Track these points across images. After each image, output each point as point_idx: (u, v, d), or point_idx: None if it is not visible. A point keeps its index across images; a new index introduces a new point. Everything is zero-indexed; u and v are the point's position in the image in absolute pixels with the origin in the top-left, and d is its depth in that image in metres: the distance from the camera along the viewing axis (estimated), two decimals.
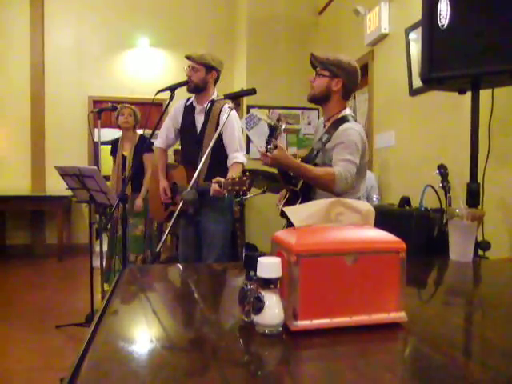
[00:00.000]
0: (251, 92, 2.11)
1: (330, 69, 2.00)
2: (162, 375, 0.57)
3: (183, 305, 0.96)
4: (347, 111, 2.04)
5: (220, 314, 0.90)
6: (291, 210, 0.81)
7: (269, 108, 5.16)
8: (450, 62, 1.88)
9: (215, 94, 2.69)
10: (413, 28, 3.28)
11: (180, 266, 1.63)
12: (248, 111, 5.07)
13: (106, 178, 3.07)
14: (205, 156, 2.04)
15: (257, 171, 3.34)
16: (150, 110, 5.34)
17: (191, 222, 2.64)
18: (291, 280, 0.70)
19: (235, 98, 2.19)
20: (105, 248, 3.55)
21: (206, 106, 2.64)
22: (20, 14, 5.91)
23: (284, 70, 5.28)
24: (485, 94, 2.02)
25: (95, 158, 4.75)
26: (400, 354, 0.71)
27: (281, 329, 0.69)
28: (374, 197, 3.27)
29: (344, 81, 2.00)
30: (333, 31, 5.06)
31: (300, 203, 1.95)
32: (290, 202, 2.00)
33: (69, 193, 3.72)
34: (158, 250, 1.89)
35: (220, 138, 2.44)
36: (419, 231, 1.71)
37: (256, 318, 0.68)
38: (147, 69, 6.24)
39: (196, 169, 2.01)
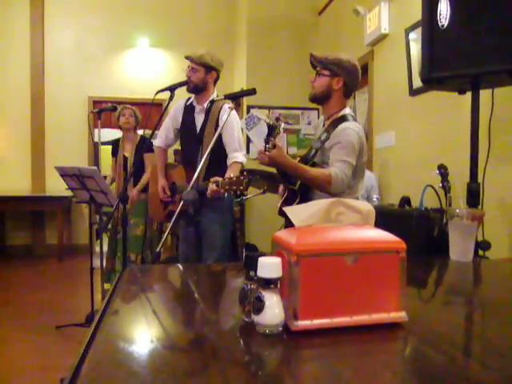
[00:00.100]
0: (251, 92, 2.11)
1: (329, 68, 2.00)
2: (162, 375, 0.57)
3: (183, 305, 0.96)
4: (347, 110, 2.04)
5: (220, 314, 0.90)
6: (291, 210, 0.81)
7: (269, 108, 5.16)
8: (450, 62, 1.88)
9: (215, 93, 2.69)
10: (413, 28, 3.28)
11: (180, 267, 1.63)
12: (248, 111, 5.07)
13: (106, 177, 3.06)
14: (205, 156, 2.04)
15: (254, 171, 3.33)
16: (150, 111, 5.35)
17: (191, 222, 2.64)
18: (291, 280, 0.70)
19: (235, 98, 2.19)
20: (105, 248, 3.55)
21: (205, 105, 2.64)
22: (20, 14, 5.92)
23: (284, 70, 5.28)
24: (485, 94, 2.02)
25: (95, 158, 4.76)
26: (400, 353, 0.71)
27: (281, 329, 0.69)
28: (374, 197, 3.27)
29: (345, 79, 1.99)
30: (333, 31, 5.06)
31: (298, 202, 1.96)
32: (289, 200, 2.01)
33: (69, 193, 3.73)
34: (158, 250, 1.89)
35: (219, 137, 2.44)
36: (419, 231, 1.71)
37: (256, 318, 0.68)
38: (147, 69, 6.25)
39: (195, 168, 2.01)
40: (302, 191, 1.96)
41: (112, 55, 6.20)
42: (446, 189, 2.00)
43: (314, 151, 2.04)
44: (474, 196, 1.90)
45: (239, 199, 3.68)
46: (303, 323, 0.69)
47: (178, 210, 1.90)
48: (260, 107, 5.05)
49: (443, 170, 2.14)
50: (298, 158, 2.10)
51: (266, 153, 1.80)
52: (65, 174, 2.96)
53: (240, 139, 2.62)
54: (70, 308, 3.56)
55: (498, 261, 1.84)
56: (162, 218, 2.93)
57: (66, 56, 6.08)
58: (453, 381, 0.58)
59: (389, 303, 0.73)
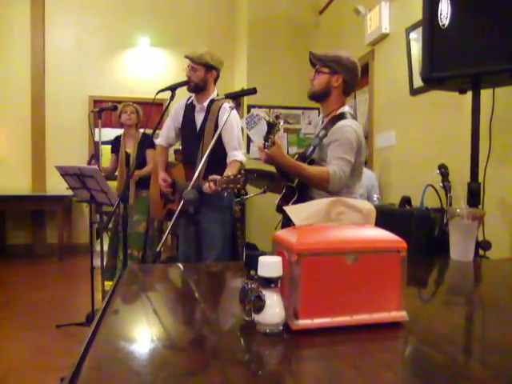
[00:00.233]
0: (252, 91, 2.11)
1: (329, 65, 2.00)
2: (162, 374, 0.57)
3: (184, 304, 0.96)
4: (346, 108, 2.03)
5: (221, 313, 0.90)
6: (292, 209, 0.81)
7: (269, 107, 5.16)
8: (451, 62, 1.88)
9: (215, 92, 2.70)
10: (413, 28, 3.28)
11: (180, 266, 1.63)
12: (249, 111, 5.08)
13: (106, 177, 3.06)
14: (205, 157, 2.04)
15: (252, 170, 3.33)
16: (151, 110, 5.34)
17: (191, 221, 2.64)
18: (292, 279, 0.70)
19: (236, 97, 2.19)
20: (105, 248, 3.55)
21: (205, 104, 2.65)
22: (20, 13, 5.92)
23: (284, 70, 5.28)
24: (485, 94, 2.02)
25: (96, 157, 4.75)
26: (401, 353, 0.71)
27: (281, 328, 0.69)
28: (375, 196, 3.27)
29: (344, 76, 1.99)
30: (333, 31, 5.06)
31: (296, 199, 1.96)
32: (287, 197, 2.01)
33: (69, 192, 3.73)
34: (158, 249, 1.89)
35: (219, 137, 2.45)
36: (420, 231, 1.71)
37: (257, 317, 0.68)
38: (148, 68, 6.25)
39: (195, 167, 2.01)
40: (300, 188, 1.96)
41: (112, 55, 6.20)
42: (447, 188, 2.00)
43: (312, 148, 2.04)
44: (474, 196, 1.90)
45: (239, 199, 3.68)
46: (304, 322, 0.69)
47: (179, 209, 1.90)
48: (260, 107, 5.05)
49: (444, 170, 2.14)
50: (297, 156, 2.10)
51: (265, 150, 1.79)
52: (65, 173, 2.96)
53: (240, 138, 2.63)
54: (71, 307, 3.56)
55: (499, 260, 1.84)
56: (162, 217, 2.93)
57: (67, 55, 6.09)
58: (453, 380, 0.58)
59: (389, 302, 0.73)
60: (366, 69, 3.97)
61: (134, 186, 3.63)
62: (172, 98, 2.28)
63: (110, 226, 3.77)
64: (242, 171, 2.11)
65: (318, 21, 5.46)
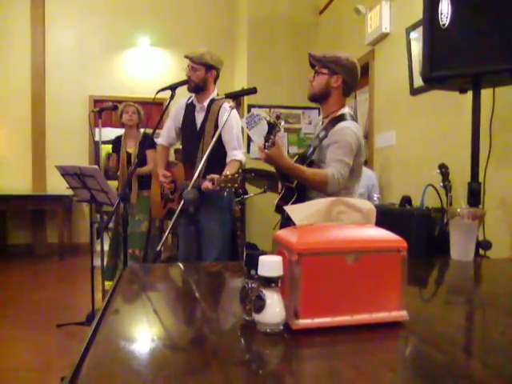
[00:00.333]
0: (252, 91, 2.11)
1: (328, 66, 1.99)
2: (163, 374, 0.57)
3: (184, 304, 0.96)
4: (346, 109, 2.03)
5: (221, 312, 0.90)
6: (292, 208, 0.81)
7: (269, 107, 5.16)
8: (451, 62, 1.88)
9: (215, 92, 2.70)
10: (414, 27, 3.28)
11: (181, 266, 1.63)
12: (249, 110, 5.08)
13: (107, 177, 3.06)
14: (205, 157, 2.04)
15: (250, 170, 3.33)
16: (151, 110, 5.34)
17: (191, 221, 2.64)
18: (292, 279, 0.70)
19: (236, 97, 2.19)
20: (106, 247, 3.55)
21: (205, 104, 2.66)
22: (21, 13, 5.92)
23: (285, 70, 5.28)
24: (486, 94, 2.02)
25: (96, 157, 4.75)
26: (401, 352, 0.71)
27: (282, 327, 0.69)
28: (375, 196, 3.27)
29: (343, 77, 1.99)
30: (333, 31, 5.06)
31: (295, 199, 1.96)
32: (286, 198, 2.01)
33: (70, 192, 3.73)
34: (158, 249, 1.89)
35: (219, 136, 2.45)
36: (420, 230, 1.71)
37: (257, 317, 0.69)
38: (148, 68, 6.25)
39: (194, 167, 2.01)
40: (299, 189, 1.96)
41: (113, 54, 6.20)
42: (447, 188, 2.00)
43: (311, 149, 2.04)
44: (474, 195, 1.90)
45: (240, 198, 3.68)
46: (304, 322, 0.69)
47: (179, 208, 1.90)
48: (261, 106, 5.05)
49: (444, 170, 2.14)
50: (296, 157, 2.10)
51: (265, 150, 1.79)
52: (65, 173, 2.96)
53: (239, 138, 2.63)
54: (71, 307, 3.56)
55: (499, 260, 1.84)
56: (162, 216, 2.94)
57: (67, 55, 6.09)
58: (453, 380, 0.58)
59: (390, 302, 0.73)
60: (366, 68, 3.97)
61: (136, 185, 3.64)
62: (172, 97, 2.29)
63: (111, 225, 3.78)
64: (240, 170, 2.12)
65: (318, 21, 5.45)
